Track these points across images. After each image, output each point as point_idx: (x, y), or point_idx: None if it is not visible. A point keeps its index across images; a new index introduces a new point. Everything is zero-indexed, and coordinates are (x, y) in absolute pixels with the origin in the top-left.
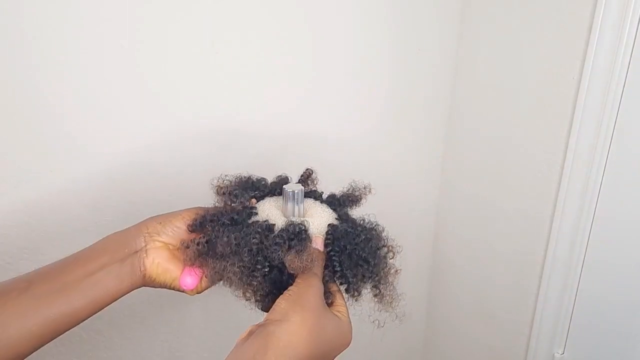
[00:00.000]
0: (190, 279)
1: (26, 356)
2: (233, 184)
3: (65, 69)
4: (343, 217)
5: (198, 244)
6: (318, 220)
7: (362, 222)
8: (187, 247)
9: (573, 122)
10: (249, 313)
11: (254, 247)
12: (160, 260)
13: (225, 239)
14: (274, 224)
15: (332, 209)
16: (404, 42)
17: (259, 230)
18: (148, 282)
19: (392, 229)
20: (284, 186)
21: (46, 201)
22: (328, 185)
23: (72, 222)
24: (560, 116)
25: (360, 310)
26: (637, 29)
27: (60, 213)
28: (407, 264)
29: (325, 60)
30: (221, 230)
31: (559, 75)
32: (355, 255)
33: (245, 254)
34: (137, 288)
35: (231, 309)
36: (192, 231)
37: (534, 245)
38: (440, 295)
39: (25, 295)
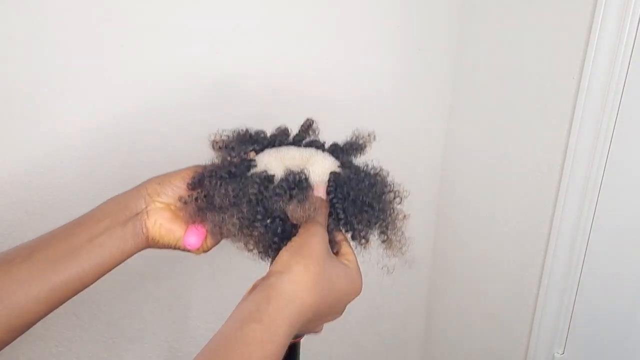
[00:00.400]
0: (194, 237)
1: (35, 323)
2: (230, 138)
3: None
4: (346, 165)
5: (196, 199)
6: (320, 168)
7: (365, 167)
8: (186, 203)
9: (573, 122)
10: None
11: (253, 197)
12: (162, 221)
13: (222, 191)
14: (274, 175)
15: (334, 157)
16: (404, 42)
17: (258, 181)
18: (152, 243)
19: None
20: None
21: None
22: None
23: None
24: (560, 116)
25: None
26: (637, 29)
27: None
28: (407, 263)
29: (325, 59)
30: (219, 183)
31: (559, 75)
32: (359, 201)
33: (244, 205)
34: (142, 250)
35: (232, 309)
36: (191, 189)
37: (534, 245)
38: (440, 295)
39: (28, 262)
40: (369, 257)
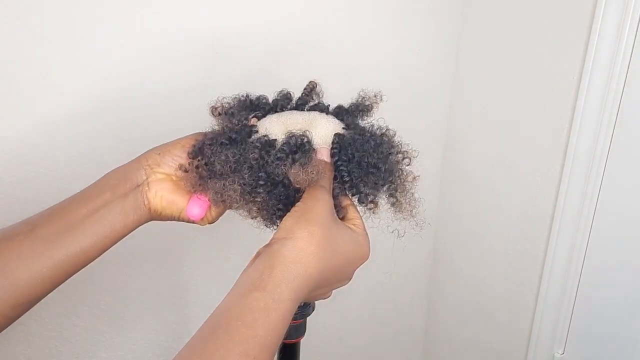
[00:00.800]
0: (196, 208)
1: (39, 299)
2: (230, 104)
3: None
4: (350, 126)
5: (197, 167)
6: (323, 130)
7: (370, 127)
8: (187, 171)
9: (573, 122)
10: None
11: (254, 162)
12: (163, 193)
13: (223, 157)
14: (275, 139)
15: (339, 119)
16: (404, 43)
17: (258, 145)
18: (154, 216)
19: (392, 228)
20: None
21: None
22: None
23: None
24: (560, 116)
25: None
26: (637, 29)
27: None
28: (406, 263)
29: (325, 60)
30: (219, 150)
31: (559, 75)
32: (364, 163)
33: (245, 171)
34: (145, 222)
35: None
36: (192, 157)
37: (534, 245)
38: (440, 295)
39: (30, 238)
40: (368, 258)
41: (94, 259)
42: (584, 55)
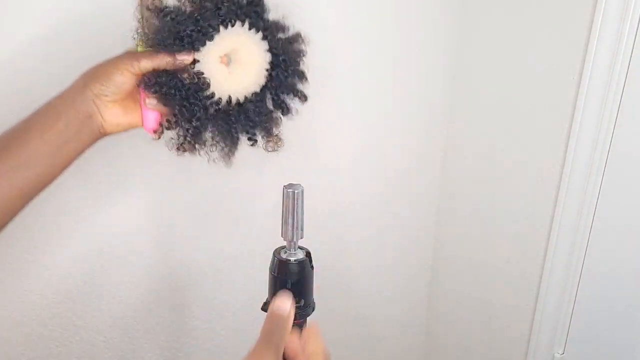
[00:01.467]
0: (152, 122)
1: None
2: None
3: None
4: (275, 51)
5: (157, 98)
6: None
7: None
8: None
9: (573, 122)
10: (250, 314)
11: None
12: (116, 118)
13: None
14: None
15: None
16: (403, 42)
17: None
18: (109, 134)
19: (393, 228)
20: (283, 185)
21: None
22: (320, 188)
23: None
24: (560, 116)
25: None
26: (637, 29)
27: None
28: (407, 264)
29: (324, 60)
30: (171, 102)
31: (559, 75)
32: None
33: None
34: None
35: (232, 309)
36: (144, 90)
37: (534, 245)
38: (440, 295)
39: None
40: (368, 256)
41: (49, 183)
42: (584, 55)
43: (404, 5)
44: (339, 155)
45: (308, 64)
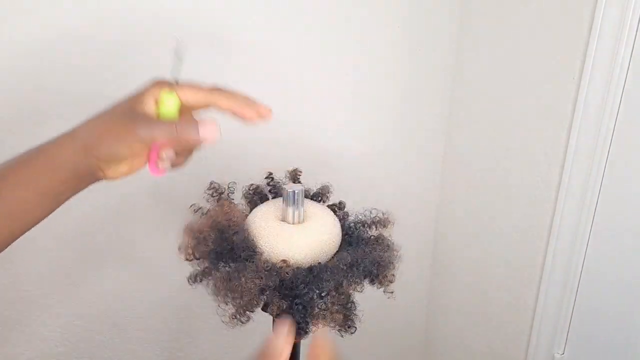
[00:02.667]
0: (158, 172)
1: None
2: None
3: None
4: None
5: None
6: (320, 222)
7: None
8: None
9: (573, 122)
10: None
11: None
12: (119, 174)
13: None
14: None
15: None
16: (403, 42)
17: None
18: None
19: (393, 229)
20: (284, 186)
21: None
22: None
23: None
24: (560, 116)
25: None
26: (637, 29)
27: None
28: (407, 264)
29: (324, 60)
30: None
31: (559, 75)
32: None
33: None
34: None
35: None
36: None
37: (534, 245)
38: (440, 295)
39: None
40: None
41: (34, 225)
42: (584, 55)
43: (404, 5)
44: (339, 155)
45: (306, 66)
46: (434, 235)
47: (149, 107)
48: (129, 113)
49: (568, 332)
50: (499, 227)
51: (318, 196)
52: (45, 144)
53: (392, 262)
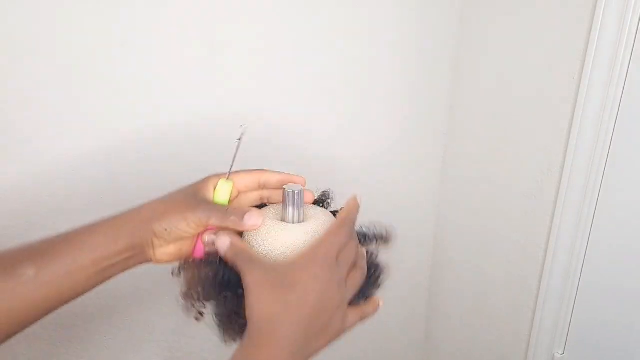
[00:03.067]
0: (201, 253)
1: (28, 326)
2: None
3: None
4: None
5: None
6: (320, 222)
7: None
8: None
9: (573, 122)
10: None
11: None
12: (166, 257)
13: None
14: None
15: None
16: (403, 43)
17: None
18: (154, 264)
19: (393, 228)
20: (283, 187)
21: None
22: (320, 189)
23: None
24: (560, 116)
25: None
26: (637, 29)
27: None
28: (407, 263)
29: (323, 61)
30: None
31: (559, 75)
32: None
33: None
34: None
35: None
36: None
37: (534, 245)
38: (440, 295)
39: (36, 283)
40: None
41: (76, 298)
42: (584, 55)
43: (404, 6)
44: (339, 155)
45: (305, 67)
46: (434, 235)
47: (209, 193)
48: (192, 197)
49: (568, 332)
50: (499, 228)
51: (319, 203)
52: (114, 215)
53: (378, 283)
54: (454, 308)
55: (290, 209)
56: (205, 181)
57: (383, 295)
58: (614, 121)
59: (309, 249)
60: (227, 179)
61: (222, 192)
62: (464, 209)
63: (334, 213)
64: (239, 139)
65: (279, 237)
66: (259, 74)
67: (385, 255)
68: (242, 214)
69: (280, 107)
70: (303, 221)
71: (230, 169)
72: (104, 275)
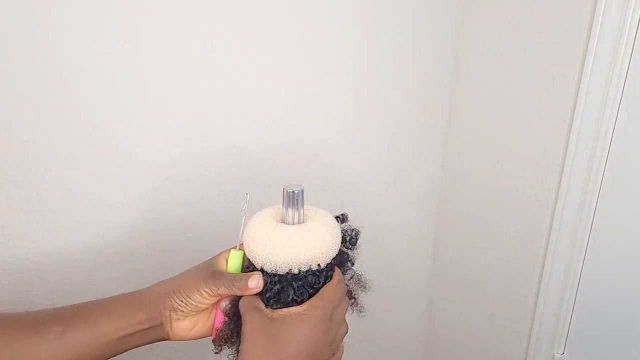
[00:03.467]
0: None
1: None
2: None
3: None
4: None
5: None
6: (320, 223)
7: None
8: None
9: (573, 122)
10: None
11: None
12: (183, 332)
13: None
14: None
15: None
16: (403, 44)
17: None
18: (173, 340)
19: (393, 228)
20: (283, 187)
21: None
22: (321, 189)
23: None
24: (560, 116)
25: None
26: (637, 29)
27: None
28: (407, 264)
29: (324, 61)
30: None
31: (559, 75)
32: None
33: None
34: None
35: None
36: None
37: (534, 245)
38: (440, 295)
39: (62, 341)
40: (368, 257)
41: None
42: (584, 55)
43: (403, 5)
44: (339, 155)
45: (306, 69)
46: (434, 235)
47: (222, 265)
48: (205, 270)
49: (568, 332)
50: (499, 227)
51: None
52: (132, 292)
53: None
54: (454, 308)
55: (290, 209)
56: (218, 255)
57: (383, 295)
58: (614, 121)
59: (308, 304)
60: (238, 249)
61: (233, 262)
62: (464, 209)
63: (336, 217)
64: (244, 208)
65: (279, 238)
66: (259, 74)
67: (385, 256)
68: (246, 281)
69: (279, 108)
70: (303, 221)
71: (240, 238)
72: (123, 343)
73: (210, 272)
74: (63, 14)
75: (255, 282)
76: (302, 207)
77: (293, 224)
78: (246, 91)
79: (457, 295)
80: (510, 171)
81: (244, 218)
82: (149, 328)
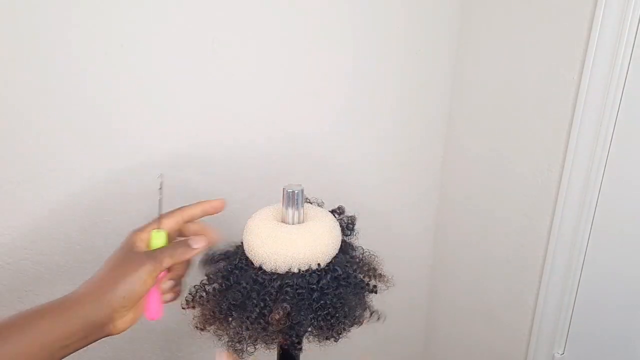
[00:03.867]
0: (156, 314)
1: None
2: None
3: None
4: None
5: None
6: (320, 223)
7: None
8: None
9: (573, 122)
10: None
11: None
12: (125, 325)
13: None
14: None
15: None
16: (403, 44)
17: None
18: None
19: (393, 228)
20: (283, 187)
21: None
22: (322, 189)
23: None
24: (560, 116)
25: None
26: (637, 29)
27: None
28: (407, 264)
29: (324, 62)
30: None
31: (559, 75)
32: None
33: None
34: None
35: None
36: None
37: (534, 245)
38: (440, 295)
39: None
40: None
41: None
42: (584, 55)
43: (404, 7)
44: (339, 155)
45: (305, 70)
46: (433, 235)
47: (143, 246)
48: (130, 255)
49: (568, 332)
50: (499, 227)
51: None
52: (60, 298)
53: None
54: (454, 308)
55: (290, 209)
56: (131, 238)
57: (383, 295)
58: (614, 121)
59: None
60: (158, 229)
61: (158, 241)
62: (464, 209)
63: (334, 213)
64: (160, 189)
65: (279, 238)
66: (258, 75)
67: (385, 255)
68: (186, 243)
69: (278, 109)
70: (303, 221)
71: (158, 218)
72: (62, 351)
73: (139, 254)
74: (66, 11)
75: (200, 241)
76: (302, 206)
77: (293, 223)
78: (244, 92)
79: (457, 295)
80: (510, 171)
81: (159, 199)
82: (85, 336)
